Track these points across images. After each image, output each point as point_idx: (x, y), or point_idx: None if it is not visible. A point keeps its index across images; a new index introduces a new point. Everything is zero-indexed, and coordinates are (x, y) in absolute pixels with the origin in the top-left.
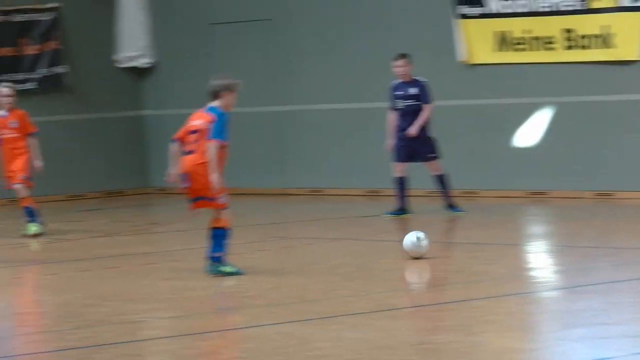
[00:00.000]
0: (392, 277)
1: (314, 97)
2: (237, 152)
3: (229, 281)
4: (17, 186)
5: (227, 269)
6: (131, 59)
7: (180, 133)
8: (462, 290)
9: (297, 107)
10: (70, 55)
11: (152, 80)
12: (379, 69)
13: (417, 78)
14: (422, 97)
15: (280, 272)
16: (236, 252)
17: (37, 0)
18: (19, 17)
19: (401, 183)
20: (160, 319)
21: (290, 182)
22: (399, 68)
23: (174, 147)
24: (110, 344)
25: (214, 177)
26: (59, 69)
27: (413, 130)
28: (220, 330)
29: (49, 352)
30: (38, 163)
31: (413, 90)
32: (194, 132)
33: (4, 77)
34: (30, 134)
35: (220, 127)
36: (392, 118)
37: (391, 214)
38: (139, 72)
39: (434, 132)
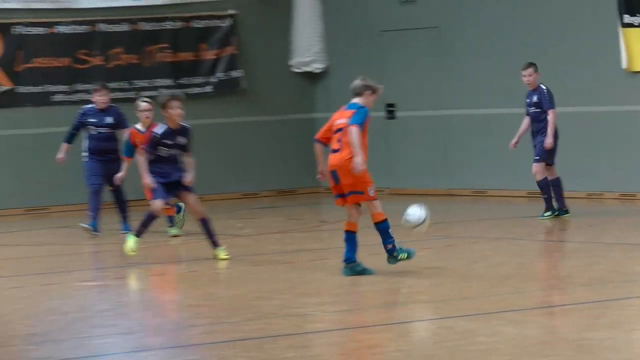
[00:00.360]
0: (551, 275)
1: (478, 101)
2: (404, 154)
3: (394, 278)
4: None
5: (401, 255)
6: (305, 64)
7: (321, 132)
8: (619, 289)
9: (462, 112)
10: (245, 60)
11: (323, 85)
12: (543, 76)
13: (540, 85)
14: (542, 104)
15: (443, 269)
16: None
17: (215, 8)
18: (198, 24)
19: (556, 184)
20: (328, 313)
21: (454, 183)
22: (526, 77)
23: (317, 147)
24: (280, 335)
25: (357, 160)
26: (235, 73)
27: (547, 143)
28: (385, 324)
29: (223, 342)
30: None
31: (535, 98)
32: (339, 130)
33: (184, 80)
34: None
35: (360, 116)
36: (525, 122)
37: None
38: (311, 77)
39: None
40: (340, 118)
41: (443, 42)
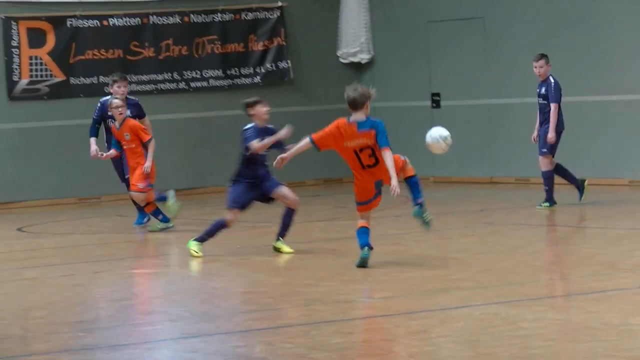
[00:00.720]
0: (595, 261)
1: (521, 91)
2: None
3: (439, 264)
4: (134, 194)
5: (427, 216)
6: (352, 54)
7: (320, 139)
8: None
9: (506, 101)
10: (293, 51)
11: (369, 75)
12: (586, 66)
13: (549, 77)
14: (548, 97)
15: (487, 255)
16: (446, 236)
17: (264, 0)
18: (247, 16)
19: (560, 170)
20: (373, 299)
21: (497, 171)
22: (537, 68)
23: (307, 143)
24: (326, 322)
25: (396, 183)
26: (283, 64)
27: (550, 138)
28: (429, 310)
29: (270, 328)
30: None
31: (543, 89)
32: (365, 149)
33: (233, 71)
34: (144, 143)
35: (386, 134)
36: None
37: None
38: (357, 67)
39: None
40: (355, 139)
41: (488, 33)
